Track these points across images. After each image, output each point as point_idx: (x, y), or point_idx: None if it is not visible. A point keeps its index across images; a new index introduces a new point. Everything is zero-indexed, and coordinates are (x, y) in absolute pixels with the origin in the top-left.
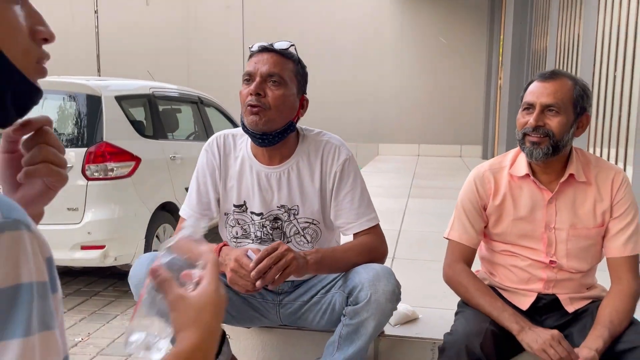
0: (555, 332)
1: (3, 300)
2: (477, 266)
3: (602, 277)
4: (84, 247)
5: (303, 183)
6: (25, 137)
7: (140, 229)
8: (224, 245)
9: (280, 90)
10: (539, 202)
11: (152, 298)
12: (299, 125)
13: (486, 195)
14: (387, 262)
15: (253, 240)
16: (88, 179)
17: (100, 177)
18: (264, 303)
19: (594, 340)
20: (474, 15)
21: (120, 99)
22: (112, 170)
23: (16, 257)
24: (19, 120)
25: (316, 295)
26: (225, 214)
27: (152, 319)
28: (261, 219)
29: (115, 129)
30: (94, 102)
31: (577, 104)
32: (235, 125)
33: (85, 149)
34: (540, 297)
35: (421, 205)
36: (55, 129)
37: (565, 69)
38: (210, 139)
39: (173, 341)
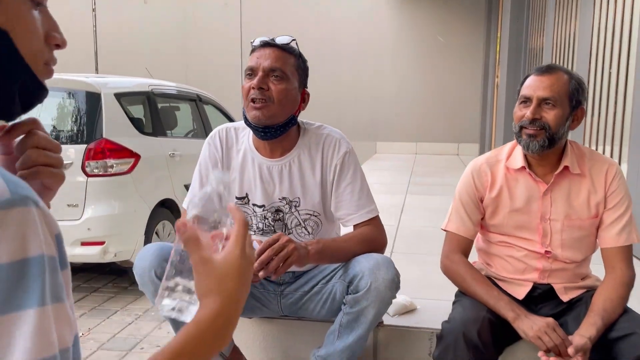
0: (550, 319)
1: (15, 272)
2: (473, 257)
3: (598, 270)
4: (83, 243)
5: (304, 175)
6: (17, 140)
7: (140, 226)
8: None
9: (282, 85)
10: (534, 194)
11: (181, 259)
12: (299, 118)
13: (483, 188)
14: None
15: (255, 231)
16: (88, 175)
17: (100, 173)
18: (266, 293)
19: (588, 328)
20: (471, 13)
21: (119, 96)
22: (111, 167)
23: (26, 232)
24: (6, 126)
25: (317, 285)
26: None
27: (182, 282)
28: (263, 210)
29: (115, 126)
30: (93, 99)
31: (573, 98)
32: None
33: (85, 145)
34: (535, 287)
35: (419, 202)
36: (53, 126)
37: None
38: (212, 132)
39: None
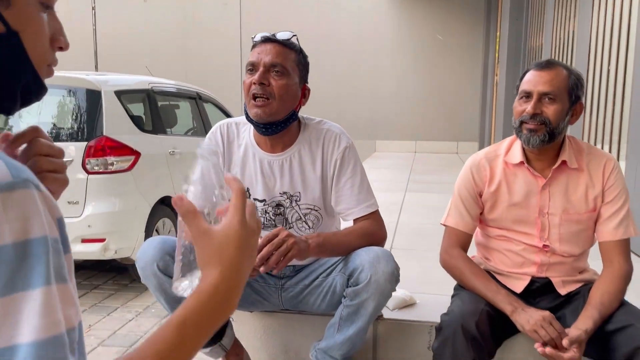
0: (547, 313)
1: (20, 253)
2: (472, 252)
3: (596, 266)
4: (84, 240)
5: (305, 170)
6: (20, 149)
7: (140, 223)
8: None
9: (283, 80)
10: (533, 189)
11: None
12: (300, 114)
13: (482, 183)
14: None
15: None
16: (88, 172)
17: (101, 170)
18: (267, 287)
19: (585, 321)
20: (471, 12)
21: (119, 94)
22: (112, 164)
23: (28, 213)
24: (11, 136)
25: (317, 279)
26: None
27: (191, 261)
28: (264, 205)
29: (115, 123)
30: (93, 97)
31: (572, 93)
32: None
33: (86, 143)
34: (534, 280)
35: (418, 199)
36: (54, 124)
37: None
38: (214, 127)
39: None
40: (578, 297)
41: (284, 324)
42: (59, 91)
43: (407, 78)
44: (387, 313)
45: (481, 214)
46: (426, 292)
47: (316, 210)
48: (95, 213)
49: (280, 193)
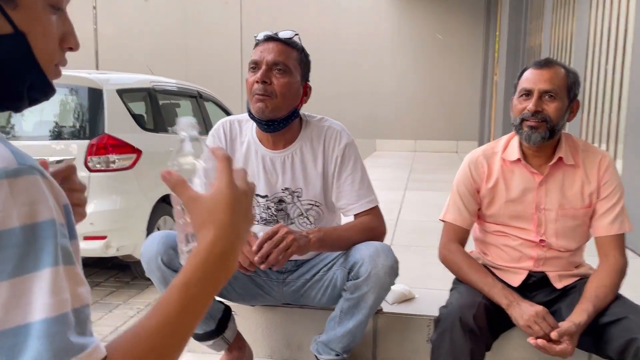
0: (540, 308)
1: (28, 235)
2: (470, 247)
3: (593, 262)
4: (86, 238)
5: (306, 167)
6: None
7: (142, 220)
8: None
9: (285, 78)
10: (530, 185)
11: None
12: (302, 111)
13: (480, 179)
14: None
15: (258, 221)
16: (90, 170)
17: (102, 168)
18: (269, 281)
19: (579, 314)
20: (470, 12)
21: (121, 93)
22: (113, 162)
23: (35, 198)
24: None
25: (318, 273)
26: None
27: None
28: (266, 201)
29: (117, 121)
30: (95, 95)
31: (571, 91)
32: None
33: (88, 141)
34: (530, 275)
35: (418, 197)
36: (56, 122)
37: None
38: (216, 124)
39: None
40: (574, 291)
41: (285, 317)
42: (61, 90)
43: (407, 77)
44: (386, 307)
45: (479, 210)
46: (425, 287)
47: (317, 206)
48: (97, 211)
49: (282, 189)
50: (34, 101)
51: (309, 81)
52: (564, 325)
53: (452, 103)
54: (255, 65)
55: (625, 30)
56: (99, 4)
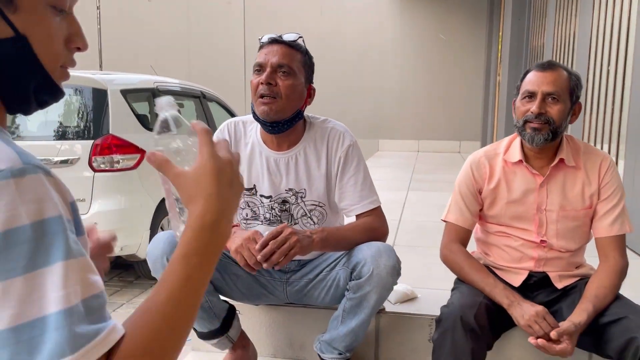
0: (540, 308)
1: (38, 232)
2: (472, 247)
3: (594, 263)
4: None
5: (310, 168)
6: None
7: (146, 220)
8: (235, 226)
9: (289, 80)
10: (531, 186)
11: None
12: (305, 113)
13: (481, 180)
14: None
15: (262, 221)
16: (95, 170)
17: (107, 168)
18: (272, 281)
19: (579, 314)
20: (473, 12)
21: (125, 93)
22: (117, 162)
23: (41, 196)
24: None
25: (321, 273)
26: None
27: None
28: (270, 201)
29: (121, 122)
30: (100, 96)
31: (573, 93)
32: None
33: (92, 141)
34: (531, 275)
35: (420, 197)
36: (60, 122)
37: None
38: (221, 126)
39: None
40: (574, 291)
41: (288, 317)
42: (66, 90)
43: (409, 77)
44: (389, 306)
45: (481, 210)
46: (427, 287)
47: (321, 207)
48: (101, 210)
49: (286, 190)
50: (43, 103)
51: (312, 83)
52: (564, 325)
53: (455, 103)
54: (259, 68)
55: (628, 31)
56: (102, 4)
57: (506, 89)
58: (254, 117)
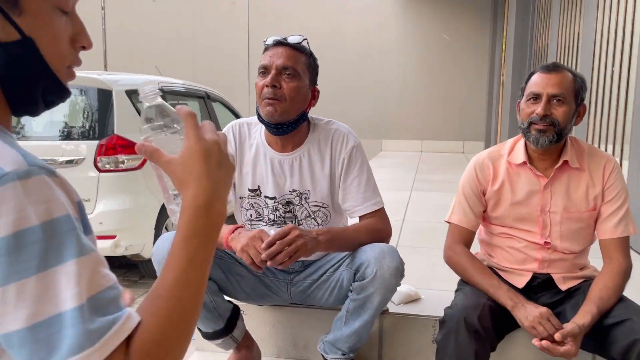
0: (544, 310)
1: (48, 231)
2: (476, 248)
3: (598, 264)
4: (95, 237)
5: (314, 169)
6: None
7: (150, 220)
8: (240, 227)
9: (294, 82)
10: (535, 188)
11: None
12: (309, 114)
13: (485, 181)
14: None
15: (266, 222)
16: (100, 170)
17: (112, 169)
18: (276, 282)
19: (583, 316)
20: (477, 12)
21: (130, 93)
22: (122, 162)
23: (48, 196)
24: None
25: (325, 274)
26: (241, 197)
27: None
28: (274, 202)
29: (126, 122)
30: (105, 96)
31: (578, 95)
32: None
33: (97, 141)
34: (535, 276)
35: (424, 198)
36: (66, 122)
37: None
38: (226, 127)
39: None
40: (578, 293)
41: (292, 317)
42: (71, 90)
43: (413, 78)
44: (392, 307)
45: (484, 212)
46: (431, 288)
47: (324, 208)
48: (106, 210)
49: (290, 191)
50: (50, 104)
51: (317, 85)
52: (568, 326)
53: (459, 103)
54: (264, 70)
55: (632, 32)
56: (107, 5)
57: (510, 89)
58: (258, 119)
